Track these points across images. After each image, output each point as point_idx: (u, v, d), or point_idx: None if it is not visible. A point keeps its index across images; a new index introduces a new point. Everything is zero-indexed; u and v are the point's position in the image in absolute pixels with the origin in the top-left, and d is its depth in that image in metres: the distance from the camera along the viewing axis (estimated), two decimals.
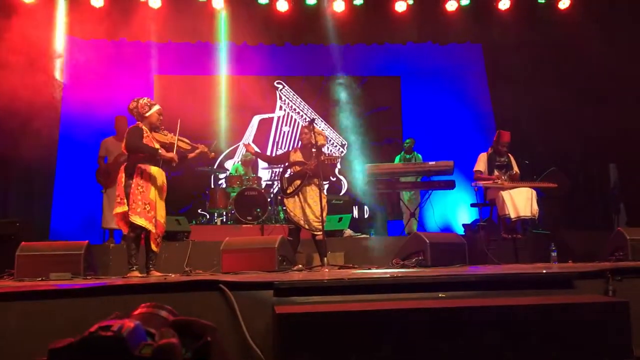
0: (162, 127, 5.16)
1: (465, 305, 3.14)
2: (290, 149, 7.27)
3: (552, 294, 3.44)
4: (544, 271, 3.97)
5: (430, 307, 3.15)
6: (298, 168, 6.09)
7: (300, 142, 6.36)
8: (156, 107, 5.08)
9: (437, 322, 2.98)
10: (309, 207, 5.97)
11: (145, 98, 5.13)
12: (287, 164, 6.27)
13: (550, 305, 3.11)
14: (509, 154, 7.08)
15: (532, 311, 3.07)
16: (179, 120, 5.20)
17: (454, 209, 9.90)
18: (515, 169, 7.02)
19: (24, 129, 7.66)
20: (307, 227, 5.99)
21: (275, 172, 9.52)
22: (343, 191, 10.24)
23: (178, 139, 5.12)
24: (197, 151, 5.25)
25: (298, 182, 6.05)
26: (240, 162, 9.05)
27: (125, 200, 4.82)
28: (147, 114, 5.02)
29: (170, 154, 4.99)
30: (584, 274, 3.64)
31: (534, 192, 6.61)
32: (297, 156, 6.20)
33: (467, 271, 4.46)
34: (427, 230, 8.50)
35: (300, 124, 10.27)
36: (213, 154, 5.54)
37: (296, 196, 6.04)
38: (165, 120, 5.22)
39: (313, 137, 5.93)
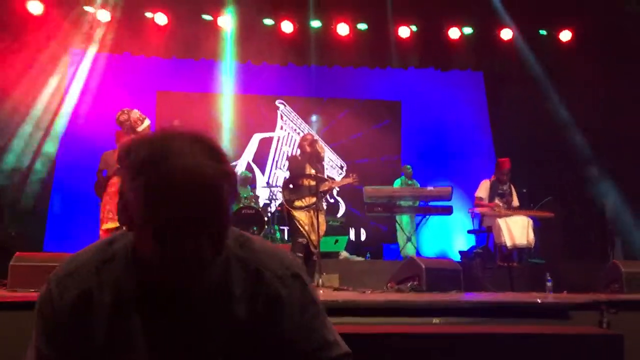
0: None
1: (459, 332, 3.13)
2: (291, 155, 6.91)
3: (547, 324, 3.43)
4: (539, 301, 3.96)
5: (424, 332, 3.14)
6: (313, 182, 5.74)
7: (299, 150, 6.05)
8: (147, 122, 5.03)
9: (431, 347, 2.97)
10: (316, 226, 5.63)
11: (136, 110, 5.06)
12: (298, 173, 5.86)
13: (545, 335, 3.10)
14: (511, 184, 7.10)
15: (527, 340, 3.06)
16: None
17: (451, 235, 9.89)
18: (515, 200, 7.05)
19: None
20: (311, 246, 5.72)
21: (274, 192, 9.51)
22: (340, 213, 10.22)
23: None
24: None
25: (312, 198, 5.68)
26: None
27: (117, 216, 4.81)
28: (139, 129, 4.96)
29: None
30: (579, 306, 3.64)
31: (531, 221, 6.63)
32: (309, 169, 5.85)
33: (462, 298, 4.45)
34: (423, 255, 8.47)
35: None
36: None
37: (309, 212, 5.72)
38: None
39: (318, 148, 5.82)
